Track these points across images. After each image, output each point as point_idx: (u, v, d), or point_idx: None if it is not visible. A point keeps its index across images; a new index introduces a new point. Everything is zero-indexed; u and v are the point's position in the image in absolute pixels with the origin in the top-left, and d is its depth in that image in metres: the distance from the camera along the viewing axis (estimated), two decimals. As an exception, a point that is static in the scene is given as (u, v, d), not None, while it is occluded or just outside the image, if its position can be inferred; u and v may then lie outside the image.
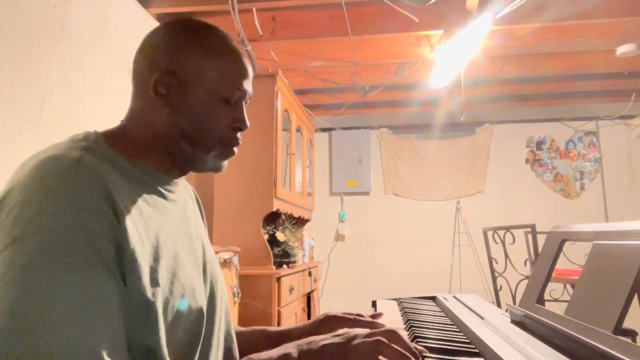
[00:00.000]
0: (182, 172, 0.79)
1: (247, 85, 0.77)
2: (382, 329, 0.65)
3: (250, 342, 0.87)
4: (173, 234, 0.72)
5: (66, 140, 0.68)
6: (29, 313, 0.49)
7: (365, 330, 0.66)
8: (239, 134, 0.78)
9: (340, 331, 0.67)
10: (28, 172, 0.59)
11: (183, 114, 0.73)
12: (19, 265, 0.52)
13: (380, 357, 0.62)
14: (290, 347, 0.63)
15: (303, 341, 0.66)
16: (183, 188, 0.84)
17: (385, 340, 0.61)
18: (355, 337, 0.63)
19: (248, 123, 0.78)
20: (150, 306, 0.60)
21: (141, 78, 0.74)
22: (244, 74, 0.77)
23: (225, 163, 0.79)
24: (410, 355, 0.60)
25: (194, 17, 0.81)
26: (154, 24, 2.37)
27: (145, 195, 0.69)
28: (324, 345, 0.63)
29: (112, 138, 0.71)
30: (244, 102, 0.79)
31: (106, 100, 1.92)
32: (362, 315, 0.88)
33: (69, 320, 0.51)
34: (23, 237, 0.53)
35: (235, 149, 0.78)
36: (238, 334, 0.92)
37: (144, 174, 0.71)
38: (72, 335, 0.50)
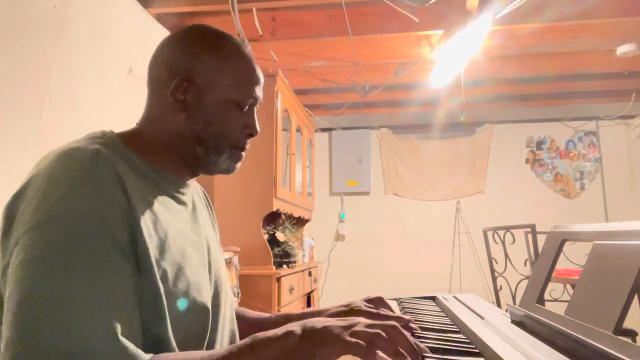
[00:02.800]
0: (193, 175, 0.82)
1: (259, 91, 0.81)
2: (386, 322, 0.64)
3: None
4: (181, 232, 0.74)
5: (84, 137, 0.71)
6: (48, 294, 0.52)
7: (368, 320, 0.66)
8: (248, 140, 0.81)
9: (344, 316, 0.67)
10: (49, 163, 0.62)
11: (199, 119, 0.76)
12: (40, 249, 0.55)
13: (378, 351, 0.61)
14: (294, 326, 0.64)
15: (308, 320, 0.66)
16: (193, 190, 0.86)
17: (384, 335, 0.61)
18: (357, 324, 0.63)
19: (259, 128, 0.81)
20: (157, 296, 0.62)
21: (158, 83, 0.77)
22: (256, 81, 0.80)
23: (238, 165, 0.82)
24: (406, 354, 0.60)
25: (209, 25, 0.83)
26: (154, 24, 2.37)
27: (156, 194, 0.72)
28: (325, 326, 0.63)
29: (128, 139, 0.74)
30: (254, 108, 0.82)
31: (106, 100, 1.92)
32: (383, 300, 0.88)
33: (86, 302, 0.53)
34: (43, 223, 0.56)
35: (243, 153, 0.81)
36: (262, 320, 0.93)
37: (156, 175, 0.74)
38: (89, 317, 0.53)
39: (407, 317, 0.78)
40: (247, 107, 0.79)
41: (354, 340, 0.60)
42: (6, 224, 0.60)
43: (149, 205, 0.68)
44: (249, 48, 2.64)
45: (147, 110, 0.79)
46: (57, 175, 0.60)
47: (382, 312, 0.82)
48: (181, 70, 0.75)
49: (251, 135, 0.80)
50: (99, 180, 0.61)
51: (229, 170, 0.81)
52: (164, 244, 0.67)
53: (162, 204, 0.72)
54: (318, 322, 0.64)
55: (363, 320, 0.65)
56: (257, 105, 0.82)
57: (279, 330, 0.63)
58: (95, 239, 0.57)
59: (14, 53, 1.48)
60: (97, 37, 1.88)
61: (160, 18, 2.44)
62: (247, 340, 0.62)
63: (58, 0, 1.66)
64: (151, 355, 0.57)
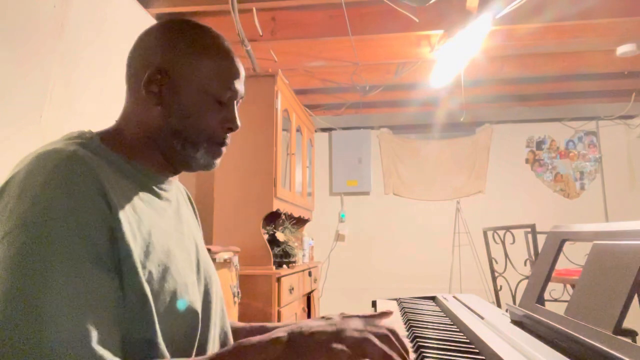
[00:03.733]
0: (175, 171, 0.80)
1: (239, 85, 0.78)
2: (378, 329, 0.63)
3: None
4: (166, 231, 0.72)
5: (62, 138, 0.70)
6: (21, 301, 0.51)
7: (361, 323, 0.64)
8: (228, 135, 0.78)
9: (336, 318, 0.66)
10: (25, 165, 0.61)
11: (174, 112, 0.74)
12: (14, 254, 0.54)
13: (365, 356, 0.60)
14: (281, 331, 0.62)
15: (296, 325, 0.65)
16: (176, 188, 0.85)
17: (374, 340, 0.60)
18: (346, 329, 0.62)
19: (239, 123, 0.79)
20: (144, 299, 0.61)
21: (134, 77, 0.75)
22: (235, 74, 0.77)
23: (217, 161, 0.79)
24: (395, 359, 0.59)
25: (188, 17, 0.81)
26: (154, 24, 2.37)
27: (139, 193, 0.71)
28: (314, 332, 0.61)
29: (107, 137, 0.73)
30: (235, 102, 0.79)
31: (106, 100, 1.92)
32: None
33: (59, 309, 0.52)
34: (18, 227, 0.55)
35: (223, 148, 0.78)
36: (238, 329, 0.92)
37: (138, 172, 0.73)
38: (62, 324, 0.52)
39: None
40: (226, 101, 0.77)
41: (339, 347, 0.59)
42: None
43: (132, 205, 0.66)
44: (248, 48, 2.60)
45: (125, 106, 0.77)
46: (31, 179, 0.59)
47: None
48: (155, 62, 0.73)
49: (231, 129, 0.78)
50: (74, 182, 0.59)
51: (208, 166, 0.78)
52: (149, 244, 0.65)
53: (146, 202, 0.71)
54: (307, 326, 0.63)
55: (354, 323, 0.64)
56: (239, 100, 0.80)
57: (265, 337, 0.61)
58: (69, 244, 0.55)
59: (14, 53, 1.48)
60: (96, 37, 1.88)
61: (160, 18, 2.44)
62: (231, 347, 0.62)
63: (58, 0, 1.66)
64: None
